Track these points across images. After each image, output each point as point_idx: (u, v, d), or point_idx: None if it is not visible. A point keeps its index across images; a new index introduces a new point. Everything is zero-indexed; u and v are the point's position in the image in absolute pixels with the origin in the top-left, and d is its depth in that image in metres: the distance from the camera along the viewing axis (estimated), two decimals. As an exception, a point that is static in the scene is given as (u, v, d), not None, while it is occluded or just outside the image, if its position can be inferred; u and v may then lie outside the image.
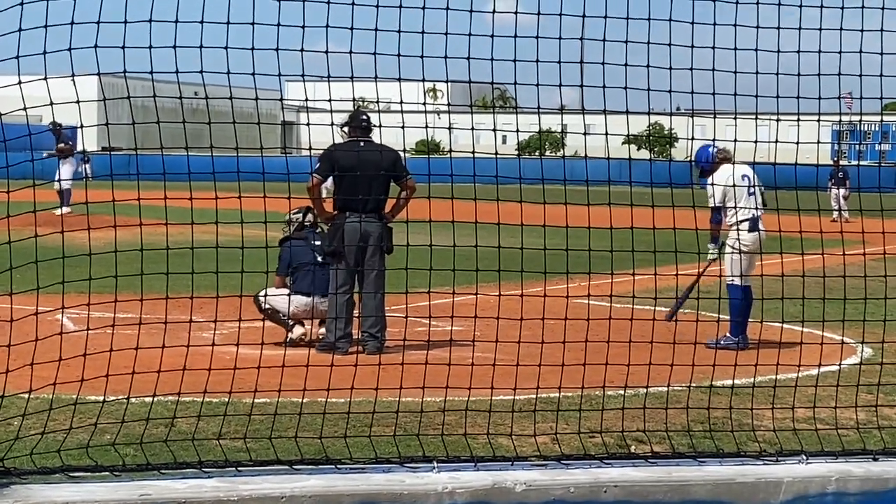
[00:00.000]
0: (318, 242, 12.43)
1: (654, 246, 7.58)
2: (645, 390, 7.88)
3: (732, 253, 12.19)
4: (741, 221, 12.20)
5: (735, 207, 12.23)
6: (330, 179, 12.27)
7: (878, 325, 8.11)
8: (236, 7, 6.49)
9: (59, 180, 29.27)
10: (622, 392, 7.97)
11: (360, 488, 6.10)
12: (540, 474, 6.44)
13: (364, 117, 12.07)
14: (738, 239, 12.18)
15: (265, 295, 12.03)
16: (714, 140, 11.90)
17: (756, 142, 7.79)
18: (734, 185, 12.01)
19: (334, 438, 7.11)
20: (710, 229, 12.44)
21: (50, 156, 29.26)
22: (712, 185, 12.33)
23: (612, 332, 7.56)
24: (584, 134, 7.20)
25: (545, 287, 7.56)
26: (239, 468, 6.39)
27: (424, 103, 7.43)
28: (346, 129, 12.12)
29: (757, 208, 12.51)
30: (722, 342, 11.60)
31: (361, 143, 11.99)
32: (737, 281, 12.14)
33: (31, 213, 6.47)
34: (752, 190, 12.19)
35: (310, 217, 12.69)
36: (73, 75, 6.28)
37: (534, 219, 7.29)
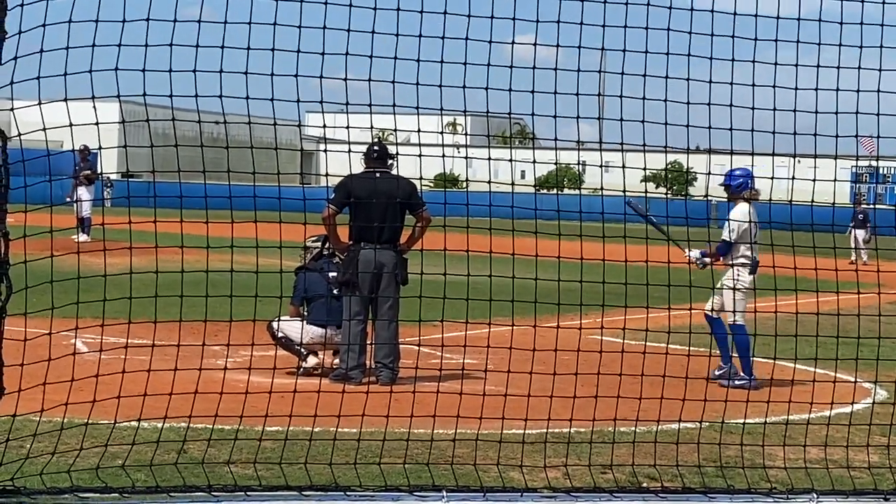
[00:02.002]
0: (333, 273, 12.42)
1: (668, 282, 7.57)
2: (657, 426, 7.85)
3: (733, 291, 12.18)
4: (745, 264, 12.20)
5: (746, 244, 12.21)
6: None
7: (893, 367, 8.07)
8: (257, 34, 6.54)
9: (79, 201, 29.24)
10: (634, 428, 7.94)
11: (368, 516, 6.11)
12: (549, 506, 6.43)
13: (377, 148, 12.08)
14: (736, 279, 12.18)
15: (279, 320, 12.02)
16: (752, 174, 11.87)
17: (773, 178, 7.78)
18: (750, 221, 11.98)
19: (345, 467, 7.10)
20: (710, 255, 12.36)
21: (77, 183, 29.25)
22: (728, 220, 12.30)
23: (625, 368, 7.54)
24: (601, 167, 7.21)
25: (558, 321, 7.55)
26: (248, 493, 6.39)
27: (442, 133, 7.42)
28: (362, 159, 12.14)
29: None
30: (737, 381, 11.57)
31: (377, 174, 12.02)
32: (739, 319, 12.15)
33: (48, 233, 6.49)
34: (758, 233, 12.17)
35: (328, 245, 12.68)
36: (93, 97, 6.31)
37: (549, 252, 7.29)
